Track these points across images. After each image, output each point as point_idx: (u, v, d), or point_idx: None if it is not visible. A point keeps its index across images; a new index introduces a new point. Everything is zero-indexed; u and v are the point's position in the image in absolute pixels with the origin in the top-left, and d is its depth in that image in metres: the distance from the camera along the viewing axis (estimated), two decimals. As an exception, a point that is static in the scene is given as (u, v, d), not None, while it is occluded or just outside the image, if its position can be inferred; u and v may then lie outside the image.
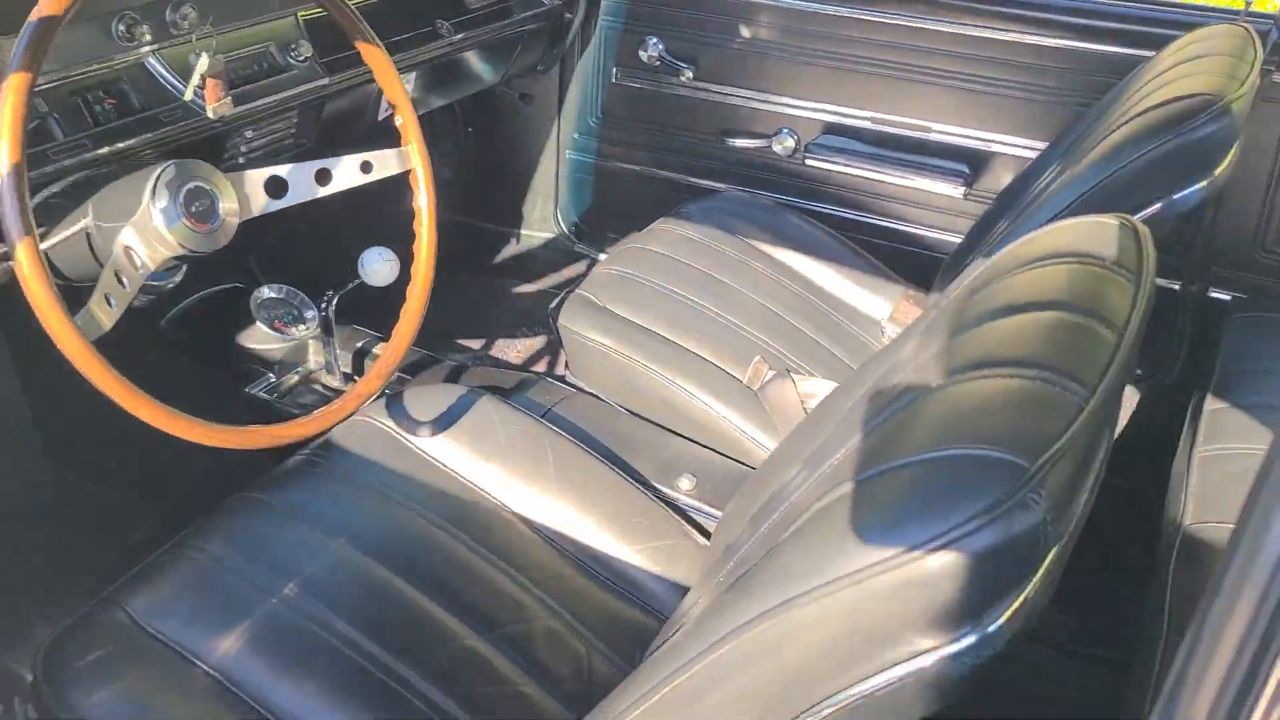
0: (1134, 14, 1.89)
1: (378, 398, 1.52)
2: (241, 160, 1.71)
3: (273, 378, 1.87)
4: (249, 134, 1.68)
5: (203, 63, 1.40)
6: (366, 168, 1.30)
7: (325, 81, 1.71)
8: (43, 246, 1.14)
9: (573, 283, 2.57)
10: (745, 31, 2.22)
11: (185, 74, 1.52)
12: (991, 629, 0.63)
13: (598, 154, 2.51)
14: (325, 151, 1.79)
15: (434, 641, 1.21)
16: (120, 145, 1.44)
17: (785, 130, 2.26)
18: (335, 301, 1.71)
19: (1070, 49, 1.94)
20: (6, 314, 1.73)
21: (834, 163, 2.21)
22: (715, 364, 1.76)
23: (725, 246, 2.03)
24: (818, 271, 2.06)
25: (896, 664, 0.65)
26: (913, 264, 2.14)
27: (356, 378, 1.86)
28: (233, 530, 1.27)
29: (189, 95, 1.46)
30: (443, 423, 1.48)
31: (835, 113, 2.21)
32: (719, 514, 1.53)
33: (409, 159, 1.34)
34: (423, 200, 1.36)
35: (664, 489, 1.56)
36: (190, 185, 1.16)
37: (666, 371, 1.73)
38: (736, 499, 1.39)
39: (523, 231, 2.67)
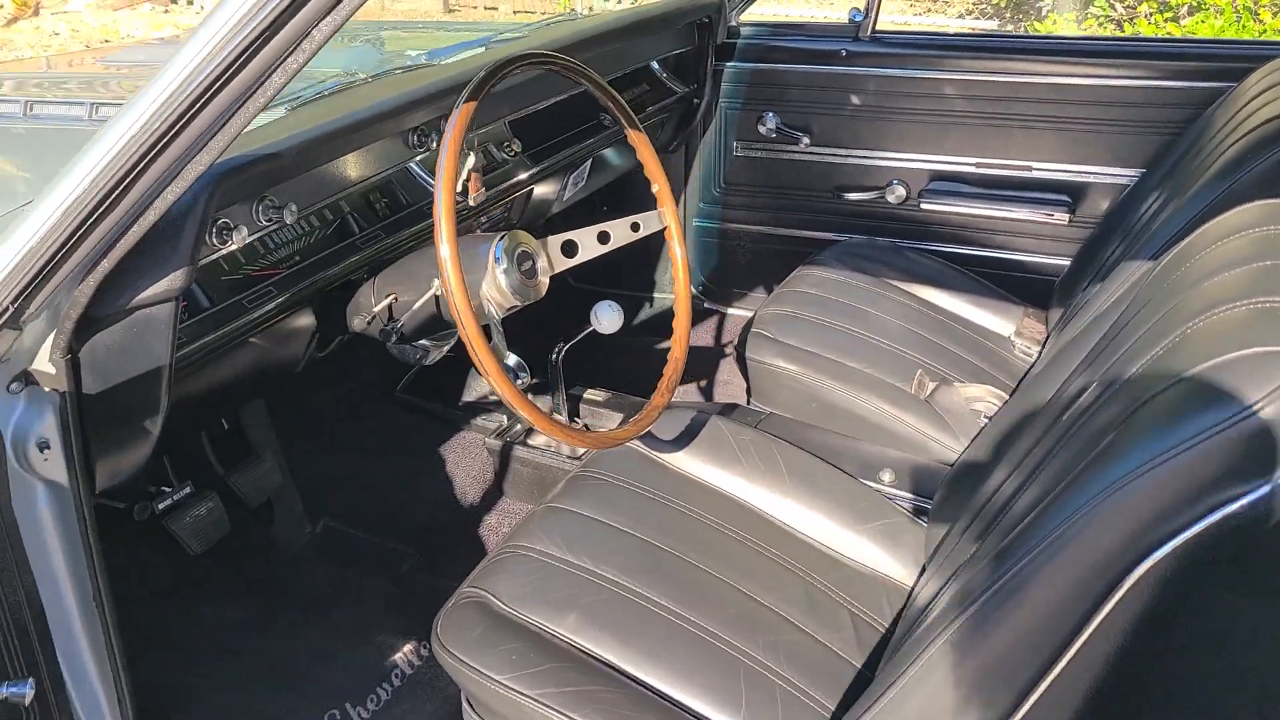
0: (1210, 52, 2.21)
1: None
2: (476, 241, 2.03)
3: (501, 423, 2.16)
4: (482, 219, 2.00)
5: (470, 161, 1.71)
6: (635, 227, 1.60)
7: (533, 171, 2.03)
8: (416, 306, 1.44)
9: (720, 339, 2.87)
10: (855, 99, 2.54)
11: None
12: None
13: (721, 219, 2.82)
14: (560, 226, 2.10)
15: (731, 602, 1.47)
16: (404, 234, 1.75)
17: (896, 181, 2.58)
18: (564, 351, 2.00)
19: (1156, 86, 2.25)
20: (273, 400, 2.04)
21: (945, 205, 2.52)
22: (884, 379, 2.03)
23: (862, 284, 2.32)
24: (944, 299, 2.34)
25: (1211, 512, 0.90)
26: (1027, 286, 2.42)
27: (577, 419, 2.14)
28: (549, 532, 1.54)
29: (459, 188, 1.77)
30: (683, 440, 1.75)
31: (941, 161, 2.52)
32: (921, 500, 1.80)
33: (665, 218, 1.65)
34: (678, 250, 1.66)
35: (869, 483, 1.83)
36: (520, 250, 1.46)
37: (847, 388, 2.00)
38: (944, 490, 1.66)
39: (656, 295, 2.98)
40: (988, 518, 1.34)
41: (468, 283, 1.48)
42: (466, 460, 2.24)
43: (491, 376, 1.28)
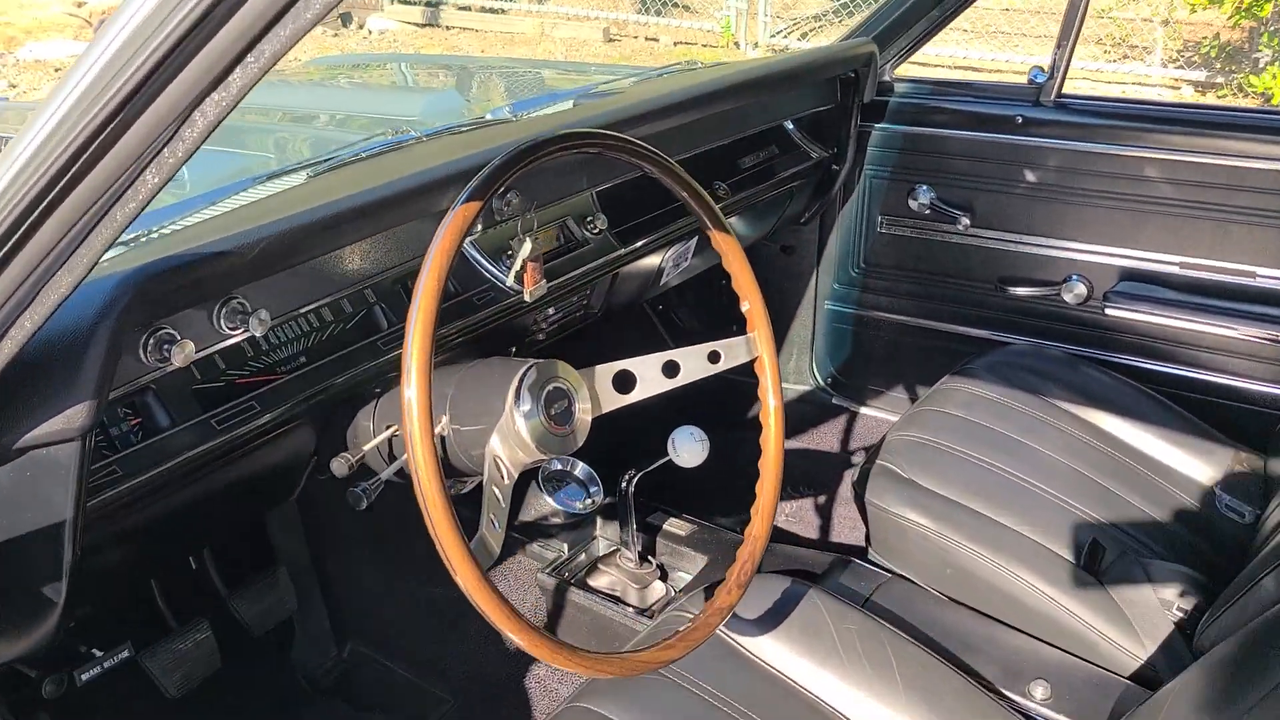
0: None
1: (695, 592, 1.42)
2: (541, 336, 1.69)
3: (561, 554, 1.81)
4: (550, 311, 1.66)
5: (525, 248, 1.37)
6: (714, 358, 1.23)
7: (622, 252, 1.68)
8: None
9: (847, 443, 2.45)
10: (1030, 176, 2.09)
11: (496, 256, 1.51)
12: None
13: (858, 304, 2.41)
14: (616, 333, 1.75)
15: None
16: (445, 330, 1.42)
17: (1075, 277, 2.11)
18: (636, 480, 1.64)
19: None
20: (305, 504, 1.75)
21: (1138, 311, 2.03)
22: (1043, 544, 1.58)
23: (1024, 405, 1.87)
24: (1130, 432, 1.86)
25: None
26: (1240, 421, 1.92)
27: (651, 558, 1.77)
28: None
29: (511, 280, 1.44)
30: (770, 620, 1.36)
31: (1135, 257, 2.04)
32: (1084, 730, 1.35)
33: (755, 346, 1.27)
34: (770, 399, 1.26)
35: (1015, 697, 1.39)
36: (550, 387, 1.11)
37: (992, 554, 1.56)
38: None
39: (785, 385, 2.57)
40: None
41: (475, 428, 1.14)
42: (517, 592, 1.89)
43: (453, 565, 0.93)
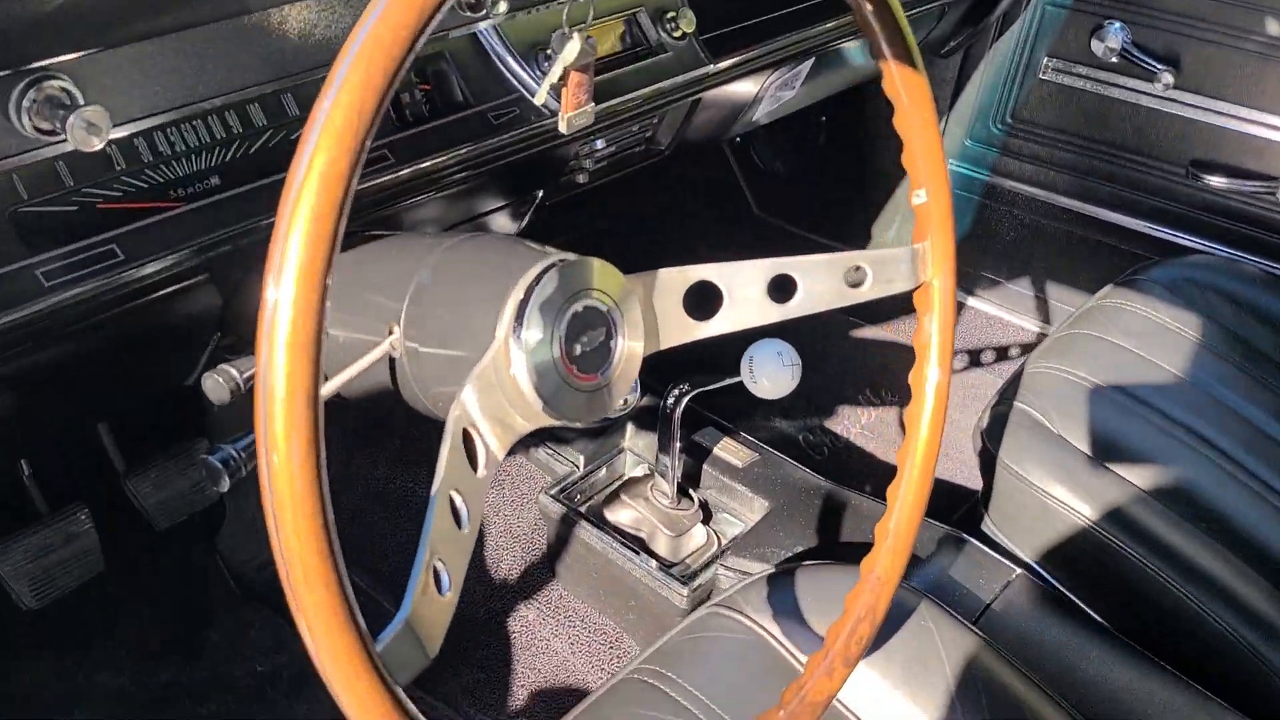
0: None
1: (752, 581, 0.99)
2: (582, 178, 1.20)
3: (575, 470, 1.38)
4: (599, 144, 1.17)
5: (570, 50, 0.87)
6: (856, 278, 0.75)
7: (710, 69, 1.17)
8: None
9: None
10: (1273, 27, 1.52)
11: (528, 56, 1.02)
12: None
13: (994, 169, 1.88)
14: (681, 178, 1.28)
15: None
16: (426, 164, 0.95)
17: (1301, 173, 1.57)
18: (686, 400, 1.19)
19: None
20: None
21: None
22: (1245, 565, 1.13)
23: (1220, 343, 1.39)
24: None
25: None
26: None
27: (693, 493, 1.34)
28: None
29: (542, 97, 0.96)
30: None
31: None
32: None
33: (924, 267, 0.79)
34: (932, 351, 0.79)
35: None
36: (579, 305, 0.64)
37: (1178, 578, 1.11)
38: None
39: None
40: None
41: (444, 353, 0.68)
42: (515, 506, 1.48)
43: (328, 671, 0.50)
